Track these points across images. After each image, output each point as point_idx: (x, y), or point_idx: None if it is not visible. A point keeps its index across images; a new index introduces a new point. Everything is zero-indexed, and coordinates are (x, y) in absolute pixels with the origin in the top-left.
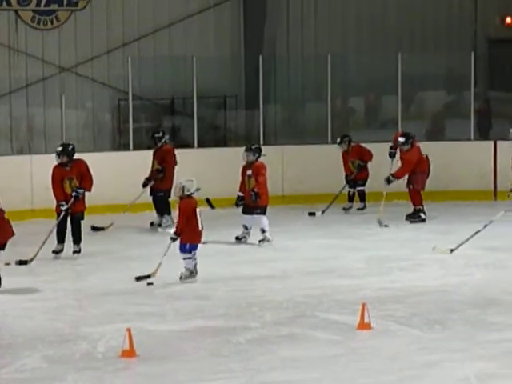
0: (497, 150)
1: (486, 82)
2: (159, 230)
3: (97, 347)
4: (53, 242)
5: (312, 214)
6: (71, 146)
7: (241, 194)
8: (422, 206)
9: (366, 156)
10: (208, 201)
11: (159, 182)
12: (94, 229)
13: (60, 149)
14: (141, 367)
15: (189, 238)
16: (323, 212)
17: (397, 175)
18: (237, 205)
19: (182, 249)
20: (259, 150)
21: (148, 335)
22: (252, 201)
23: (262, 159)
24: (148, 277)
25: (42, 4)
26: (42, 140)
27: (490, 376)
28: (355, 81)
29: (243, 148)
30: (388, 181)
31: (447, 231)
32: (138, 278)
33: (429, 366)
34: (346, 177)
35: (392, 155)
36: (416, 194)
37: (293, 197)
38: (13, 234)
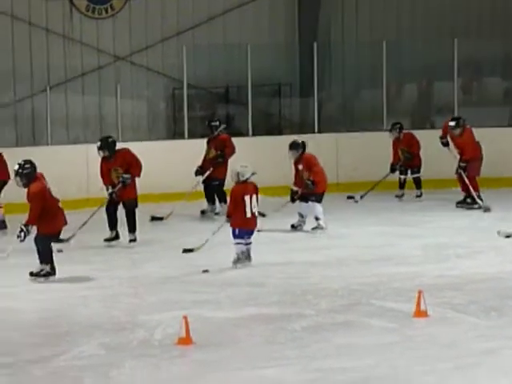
0: None
1: None
2: (215, 217)
3: (153, 335)
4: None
5: (351, 197)
6: (110, 139)
7: (295, 189)
8: (479, 192)
9: (414, 147)
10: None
11: (216, 170)
12: (154, 219)
13: (99, 144)
14: (197, 354)
15: (237, 223)
16: (362, 197)
17: (465, 159)
18: (293, 200)
19: (232, 233)
20: (303, 144)
21: (204, 322)
22: (309, 189)
23: (308, 152)
24: (191, 250)
25: None
26: (97, 129)
27: None
28: (410, 67)
29: (297, 136)
30: (463, 169)
31: (504, 218)
32: (185, 250)
33: (486, 353)
34: (392, 165)
35: (445, 144)
36: (472, 181)
37: (347, 184)
38: (65, 223)
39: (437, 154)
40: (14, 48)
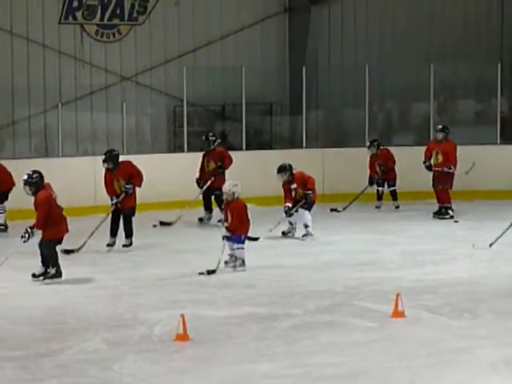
0: None
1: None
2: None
3: (153, 331)
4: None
5: (334, 209)
6: (114, 152)
7: (289, 205)
8: (450, 204)
9: (390, 162)
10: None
11: (217, 180)
12: (162, 223)
13: (103, 156)
14: (193, 350)
15: (243, 231)
16: (344, 209)
17: (452, 164)
18: (289, 215)
19: (238, 240)
20: (290, 167)
21: (200, 321)
22: (310, 198)
23: (296, 169)
24: (213, 271)
25: (105, 19)
26: (104, 143)
27: None
28: (390, 89)
29: (287, 151)
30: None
31: (477, 227)
32: (209, 272)
33: (459, 352)
34: (370, 178)
35: (428, 167)
36: (445, 193)
37: (333, 196)
38: (67, 231)
39: (414, 168)
40: (28, 68)
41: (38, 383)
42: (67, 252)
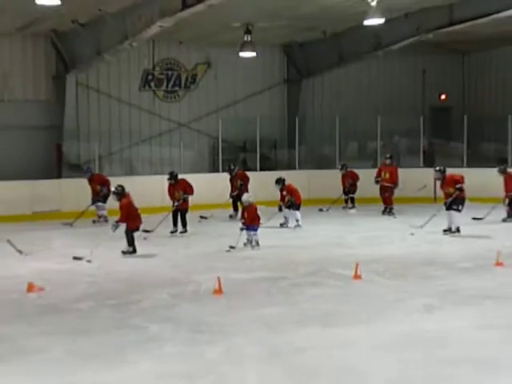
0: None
1: (430, 133)
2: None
3: (200, 287)
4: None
5: (321, 209)
6: (174, 173)
7: (281, 204)
8: (392, 205)
9: (355, 178)
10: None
11: (240, 192)
12: (202, 217)
13: (168, 176)
14: (225, 300)
15: (256, 224)
16: (327, 209)
17: (392, 182)
18: (279, 210)
19: (253, 229)
20: (283, 180)
21: (229, 281)
22: (291, 203)
23: (288, 182)
24: (234, 247)
25: (169, 87)
26: (168, 166)
27: (432, 307)
28: (352, 132)
29: (285, 171)
30: (391, 189)
31: (408, 221)
32: (231, 247)
33: (395, 301)
34: (343, 190)
35: (377, 181)
36: (389, 198)
37: (316, 200)
38: (141, 223)
39: (369, 183)
40: (120, 118)
41: (127, 319)
42: (146, 231)
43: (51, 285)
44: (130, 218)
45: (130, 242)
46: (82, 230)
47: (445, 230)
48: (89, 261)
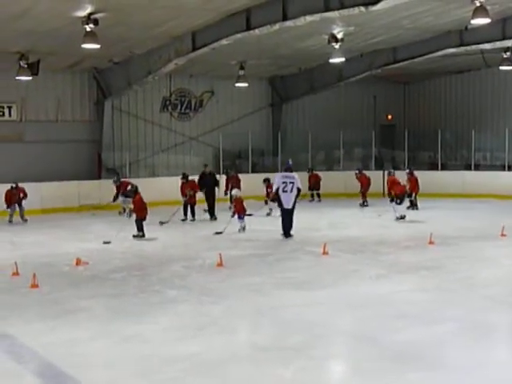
0: (384, 176)
1: (380, 144)
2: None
3: (205, 262)
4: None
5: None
6: (186, 174)
7: (266, 199)
8: (366, 199)
9: (318, 179)
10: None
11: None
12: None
13: (181, 176)
14: (226, 271)
15: (242, 212)
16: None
17: (365, 191)
18: (266, 203)
19: (240, 217)
20: (268, 180)
21: (229, 256)
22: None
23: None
24: (220, 233)
25: (182, 110)
26: (181, 169)
27: (382, 275)
28: (322, 144)
29: (271, 174)
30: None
31: (373, 210)
32: (216, 233)
33: (353, 271)
34: (309, 187)
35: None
36: (364, 194)
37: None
38: (147, 213)
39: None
40: (145, 134)
41: (150, 286)
42: (161, 223)
43: (93, 260)
44: (141, 210)
45: (140, 227)
46: (113, 218)
47: (397, 218)
48: (108, 242)
